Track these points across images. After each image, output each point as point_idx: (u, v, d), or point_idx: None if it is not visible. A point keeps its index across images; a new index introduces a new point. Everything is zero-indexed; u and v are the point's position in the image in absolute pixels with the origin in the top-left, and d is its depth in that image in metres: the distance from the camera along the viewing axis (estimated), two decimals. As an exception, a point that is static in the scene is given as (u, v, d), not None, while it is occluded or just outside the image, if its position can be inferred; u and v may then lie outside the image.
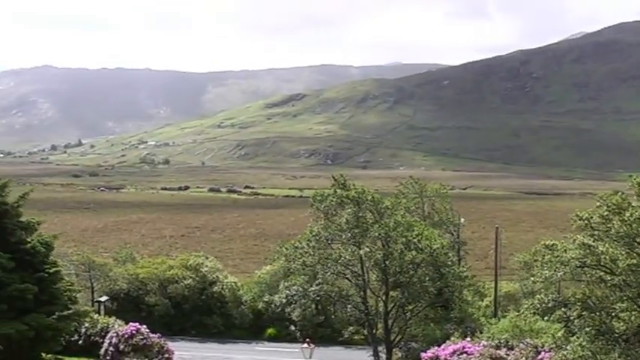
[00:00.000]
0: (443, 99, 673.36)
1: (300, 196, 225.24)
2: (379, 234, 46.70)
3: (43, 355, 45.34)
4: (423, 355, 47.27)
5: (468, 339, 47.90)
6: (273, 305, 66.08)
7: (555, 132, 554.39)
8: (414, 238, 46.35)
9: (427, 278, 47.84)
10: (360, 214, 47.65)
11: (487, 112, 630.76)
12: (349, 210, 47.66)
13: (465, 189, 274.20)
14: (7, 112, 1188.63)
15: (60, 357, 46.87)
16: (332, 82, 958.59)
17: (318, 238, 47.85)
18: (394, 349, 49.95)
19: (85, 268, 70.07)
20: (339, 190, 48.77)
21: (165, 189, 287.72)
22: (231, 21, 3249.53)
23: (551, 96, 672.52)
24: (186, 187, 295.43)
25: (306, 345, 35.03)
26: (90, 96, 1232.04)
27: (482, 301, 65.91)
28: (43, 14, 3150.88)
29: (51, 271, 43.10)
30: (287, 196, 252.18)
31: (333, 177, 50.66)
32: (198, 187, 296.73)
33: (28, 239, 43.36)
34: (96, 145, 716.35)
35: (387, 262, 46.50)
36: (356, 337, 61.04)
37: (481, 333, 49.59)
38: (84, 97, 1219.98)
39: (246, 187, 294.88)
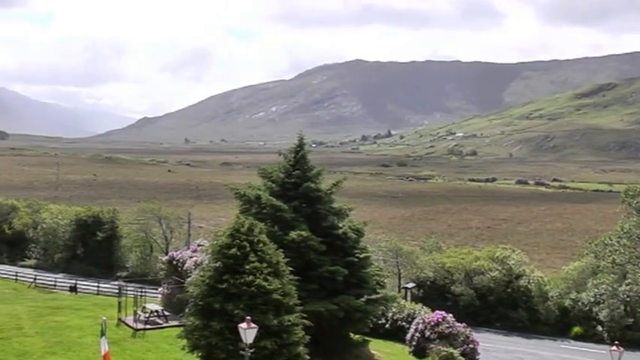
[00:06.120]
0: None
1: (610, 191, 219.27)
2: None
3: (351, 335, 47.20)
4: None
5: None
6: (580, 303, 64.18)
7: None
8: None
9: None
10: (677, 213, 45.08)
11: None
12: (665, 207, 45.26)
13: None
14: (320, 105, 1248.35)
15: (367, 338, 48.64)
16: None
17: (629, 235, 45.99)
18: None
19: (392, 254, 72.24)
20: (654, 186, 46.49)
21: (473, 180, 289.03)
22: (541, 11, 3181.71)
23: None
24: (494, 179, 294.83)
25: (614, 348, 33.63)
26: (398, 88, 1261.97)
27: None
28: (351, 12, 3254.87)
29: (361, 256, 44.53)
30: (596, 190, 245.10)
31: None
32: (505, 179, 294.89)
33: (340, 225, 45.03)
34: (405, 136, 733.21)
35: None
36: (670, 344, 57.91)
37: None
38: (392, 90, 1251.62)
39: (554, 180, 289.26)
